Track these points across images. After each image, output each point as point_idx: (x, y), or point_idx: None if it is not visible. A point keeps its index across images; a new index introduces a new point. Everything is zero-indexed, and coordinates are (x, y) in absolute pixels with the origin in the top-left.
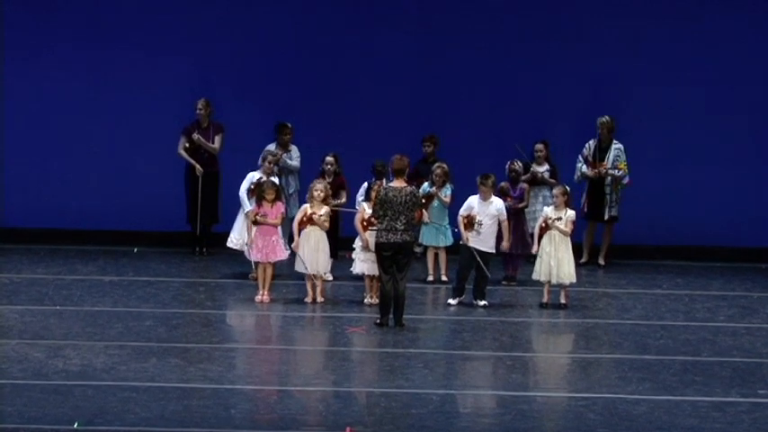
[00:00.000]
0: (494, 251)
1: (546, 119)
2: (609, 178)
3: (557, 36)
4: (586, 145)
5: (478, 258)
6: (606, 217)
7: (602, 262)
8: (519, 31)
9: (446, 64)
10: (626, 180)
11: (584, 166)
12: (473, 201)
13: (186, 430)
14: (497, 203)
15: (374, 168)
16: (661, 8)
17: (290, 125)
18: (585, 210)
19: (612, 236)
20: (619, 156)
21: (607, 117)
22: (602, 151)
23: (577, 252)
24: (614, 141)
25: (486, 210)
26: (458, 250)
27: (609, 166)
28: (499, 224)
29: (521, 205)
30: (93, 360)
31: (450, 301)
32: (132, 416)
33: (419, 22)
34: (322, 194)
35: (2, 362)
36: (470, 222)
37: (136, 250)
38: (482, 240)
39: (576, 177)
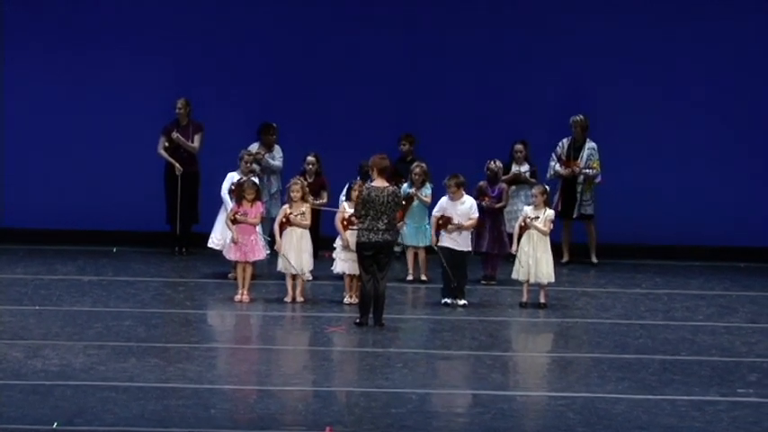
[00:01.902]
0: (470, 249)
1: (525, 118)
2: (581, 177)
3: (536, 35)
4: (560, 143)
5: (444, 262)
6: (576, 214)
7: (595, 260)
8: (497, 31)
9: (426, 64)
10: (598, 179)
11: (558, 165)
12: (444, 201)
13: (166, 430)
14: (468, 202)
15: (361, 169)
16: (639, 6)
17: (275, 126)
18: (559, 208)
19: (596, 233)
20: (592, 155)
21: (581, 116)
22: (575, 150)
23: (558, 252)
24: (588, 140)
25: (458, 209)
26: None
27: (582, 164)
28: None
29: (498, 205)
30: (72, 360)
31: (445, 300)
32: (112, 416)
33: (399, 21)
34: (299, 194)
35: None
36: (446, 223)
37: (115, 250)
38: (456, 240)
39: (548, 176)
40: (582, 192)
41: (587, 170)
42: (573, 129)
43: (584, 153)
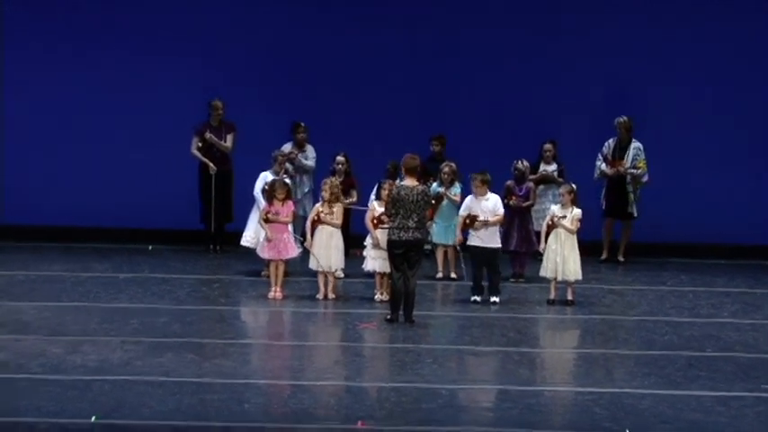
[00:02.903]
0: (498, 246)
1: (554, 119)
2: (629, 177)
3: (566, 36)
4: (606, 144)
5: (470, 260)
6: (629, 214)
7: (621, 258)
8: (528, 31)
9: (455, 64)
10: (645, 178)
11: (604, 165)
12: (469, 200)
13: (201, 424)
14: (493, 199)
15: (390, 168)
16: (673, 8)
17: (303, 124)
18: (604, 207)
19: (631, 233)
20: (638, 155)
21: (625, 117)
22: (621, 150)
23: (597, 249)
24: (633, 140)
25: (483, 206)
26: (466, 249)
27: (628, 164)
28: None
29: (526, 204)
30: (109, 355)
31: (474, 297)
32: (148, 410)
33: (428, 23)
34: (331, 194)
35: (20, 357)
36: (473, 221)
37: (150, 248)
38: (483, 238)
39: (595, 176)
40: (630, 191)
41: (633, 170)
42: (618, 129)
43: (630, 153)
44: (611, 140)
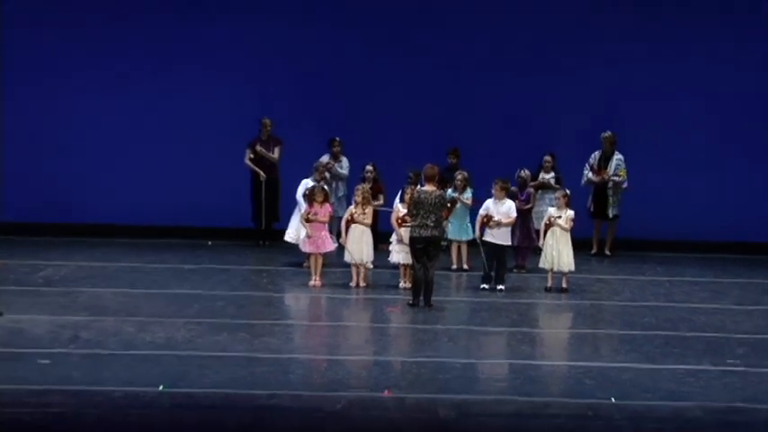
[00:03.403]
0: (508, 243)
1: (554, 134)
2: (611, 183)
3: (563, 67)
4: (592, 155)
5: (482, 252)
6: (610, 215)
7: (608, 252)
8: (533, 60)
9: (469, 85)
10: (625, 185)
11: (590, 173)
12: (489, 202)
13: (252, 392)
14: (509, 203)
15: (411, 176)
16: (653, 33)
17: (338, 139)
18: (592, 210)
19: (616, 231)
20: (619, 164)
21: (609, 132)
22: (605, 161)
23: (588, 245)
24: (616, 153)
25: (499, 209)
26: (482, 244)
27: (611, 173)
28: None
29: (526, 207)
30: (175, 334)
31: (483, 285)
32: (207, 380)
33: (444, 51)
34: (361, 197)
35: (100, 335)
36: (489, 220)
37: (210, 243)
38: (496, 236)
39: (582, 182)
40: (611, 195)
41: (615, 177)
42: (603, 143)
43: (613, 163)
44: (596, 152)
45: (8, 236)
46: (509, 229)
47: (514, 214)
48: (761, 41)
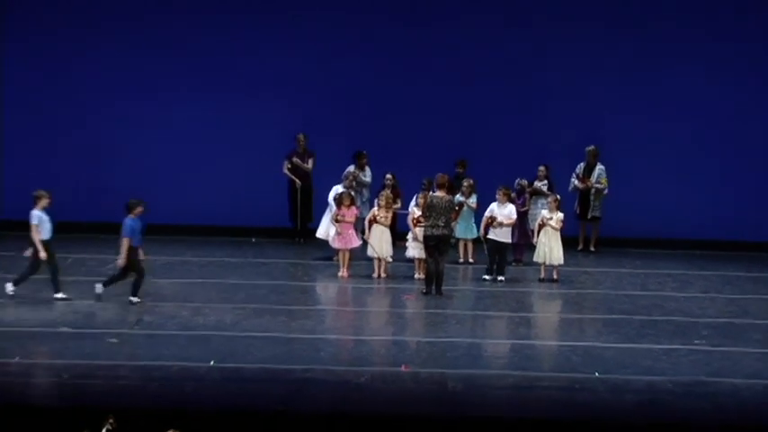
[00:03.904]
0: (509, 241)
1: (546, 148)
2: (593, 190)
3: (555, 88)
4: (578, 166)
5: (485, 248)
6: (589, 216)
7: (592, 249)
8: (528, 85)
9: (475, 108)
10: (606, 191)
11: (576, 181)
12: (493, 205)
13: (290, 367)
14: (510, 207)
15: (425, 183)
16: (630, 63)
17: (365, 152)
18: (578, 212)
19: (599, 230)
20: (601, 174)
21: (593, 146)
22: (589, 171)
23: (575, 242)
24: (598, 164)
25: (502, 211)
26: (486, 241)
27: (594, 181)
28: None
29: (523, 209)
30: (224, 317)
31: (485, 276)
32: (252, 357)
33: (455, 80)
34: (383, 201)
35: (160, 318)
36: (492, 221)
37: (254, 240)
38: (498, 234)
39: (570, 189)
40: (593, 200)
41: (597, 185)
42: (587, 156)
43: (595, 173)
44: (582, 163)
45: (88, 234)
46: (509, 228)
47: (515, 216)
48: (726, 64)
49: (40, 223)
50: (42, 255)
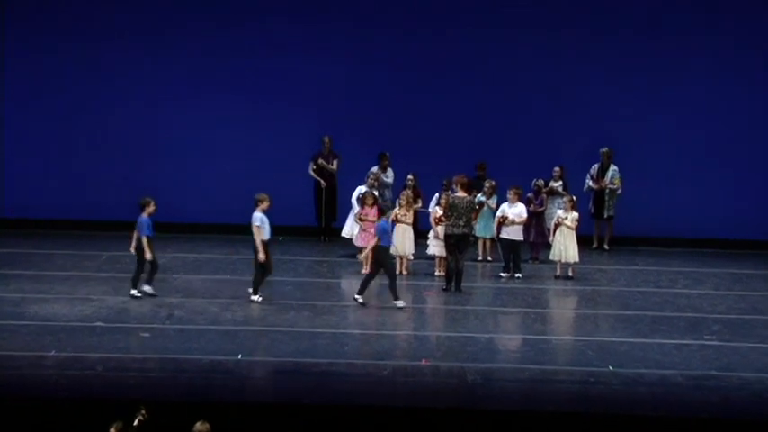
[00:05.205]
0: (521, 239)
1: (562, 150)
2: (607, 190)
3: (571, 93)
4: (592, 167)
5: (500, 248)
6: (605, 216)
7: (606, 247)
8: (545, 91)
9: (494, 113)
10: (619, 191)
11: (591, 182)
12: (504, 205)
13: (315, 360)
14: (520, 206)
15: (445, 184)
16: (642, 66)
17: (387, 154)
18: (592, 212)
19: (613, 229)
20: (614, 174)
21: (607, 148)
22: (603, 171)
23: (590, 241)
24: (612, 165)
25: (513, 210)
26: (499, 240)
27: (607, 182)
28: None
29: (540, 209)
30: (251, 312)
31: (501, 274)
32: (279, 350)
33: (475, 88)
34: (404, 200)
35: (190, 313)
36: (504, 220)
37: (281, 239)
38: (510, 233)
39: (584, 189)
40: (607, 200)
41: (611, 185)
42: (601, 157)
43: (609, 174)
44: (596, 165)
45: (116, 231)
46: (521, 226)
47: (525, 215)
48: (738, 69)
49: (263, 224)
50: (261, 256)
